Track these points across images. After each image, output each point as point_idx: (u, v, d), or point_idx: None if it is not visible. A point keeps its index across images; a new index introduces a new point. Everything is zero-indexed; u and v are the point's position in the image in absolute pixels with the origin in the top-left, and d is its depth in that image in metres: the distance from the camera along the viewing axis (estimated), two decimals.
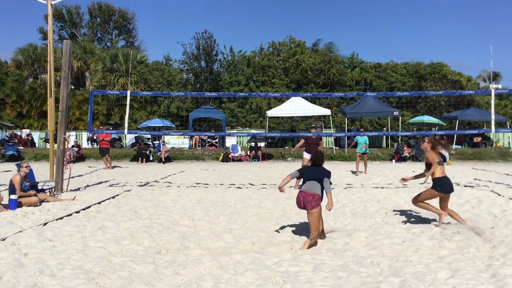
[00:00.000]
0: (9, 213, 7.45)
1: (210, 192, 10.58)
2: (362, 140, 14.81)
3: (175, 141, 25.61)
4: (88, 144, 26.20)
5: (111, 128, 25.68)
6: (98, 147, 18.99)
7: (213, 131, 25.13)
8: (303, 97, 24.03)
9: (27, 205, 8.10)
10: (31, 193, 8.37)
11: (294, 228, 6.74)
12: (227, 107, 31.21)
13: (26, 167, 8.62)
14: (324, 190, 5.86)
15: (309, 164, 6.33)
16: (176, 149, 23.69)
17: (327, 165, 18.52)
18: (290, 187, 11.52)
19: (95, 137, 25.21)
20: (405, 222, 7.06)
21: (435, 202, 6.72)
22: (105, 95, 30.78)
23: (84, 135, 26.82)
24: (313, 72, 31.11)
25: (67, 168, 10.79)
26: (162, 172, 15.80)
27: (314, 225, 5.76)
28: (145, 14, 75.46)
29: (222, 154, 22.02)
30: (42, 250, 5.28)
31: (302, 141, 12.25)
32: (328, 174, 5.99)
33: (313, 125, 16.27)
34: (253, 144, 22.69)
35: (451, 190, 6.57)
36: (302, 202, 5.84)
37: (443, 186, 6.50)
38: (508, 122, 24.51)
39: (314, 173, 5.99)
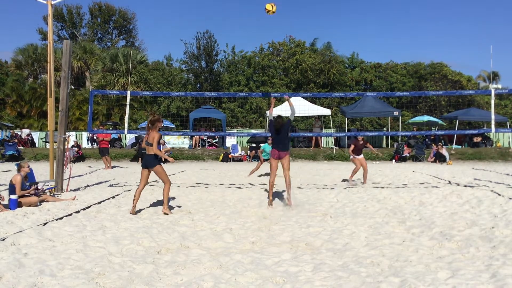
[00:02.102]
0: (9, 213, 7.45)
1: (210, 192, 10.57)
2: (269, 148, 14.00)
3: (175, 141, 25.61)
4: (88, 144, 26.21)
5: (110, 128, 25.68)
6: (98, 147, 19.00)
7: (213, 131, 25.14)
8: (303, 97, 24.02)
9: (27, 205, 8.10)
10: (31, 199, 8.33)
11: (294, 228, 6.73)
12: (227, 107, 31.21)
13: (28, 167, 8.61)
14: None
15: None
16: (176, 149, 23.69)
17: (327, 165, 18.31)
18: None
19: (95, 137, 25.23)
20: (405, 222, 7.06)
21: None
22: (105, 95, 30.79)
23: (84, 135, 26.83)
24: (313, 72, 31.12)
25: (67, 168, 10.79)
26: None
27: (288, 167, 8.65)
28: (145, 14, 75.54)
29: (222, 154, 22.02)
30: (42, 250, 5.28)
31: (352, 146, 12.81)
32: (288, 128, 8.72)
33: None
34: (253, 144, 22.68)
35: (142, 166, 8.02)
36: (278, 155, 8.58)
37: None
38: (508, 122, 24.53)
39: (280, 142, 8.65)
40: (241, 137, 26.04)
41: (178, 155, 22.38)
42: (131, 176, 14.61)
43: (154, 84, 32.63)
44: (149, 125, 7.76)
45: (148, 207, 8.50)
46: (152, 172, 7.88)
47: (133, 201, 7.81)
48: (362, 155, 12.65)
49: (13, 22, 75.42)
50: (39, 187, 9.12)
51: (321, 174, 15.18)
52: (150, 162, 7.77)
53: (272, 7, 9.93)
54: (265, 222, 7.21)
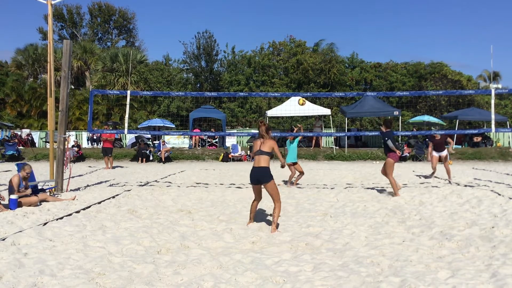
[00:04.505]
0: (9, 213, 7.45)
1: (210, 192, 10.58)
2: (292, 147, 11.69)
3: (175, 141, 25.61)
4: (88, 144, 26.20)
5: (110, 128, 25.70)
6: (101, 146, 18.95)
7: (213, 131, 25.13)
8: (303, 97, 24.02)
9: (27, 205, 8.10)
10: (31, 199, 8.27)
11: (294, 228, 6.74)
12: (227, 107, 31.21)
13: (27, 173, 8.48)
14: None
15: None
16: (176, 149, 23.69)
17: (327, 164, 18.27)
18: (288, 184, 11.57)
19: (95, 137, 25.23)
20: (405, 221, 7.06)
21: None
22: (105, 95, 30.78)
23: (84, 135, 26.82)
24: (314, 72, 31.10)
25: (67, 168, 10.79)
26: (162, 172, 15.81)
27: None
28: (145, 14, 75.54)
29: (222, 154, 22.02)
30: (42, 250, 5.28)
31: (431, 144, 13.31)
32: (389, 135, 9.82)
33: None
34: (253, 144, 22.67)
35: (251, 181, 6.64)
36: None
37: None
38: (508, 122, 24.51)
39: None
40: (241, 137, 26.03)
41: (178, 155, 22.39)
42: (131, 176, 14.62)
43: (154, 84, 32.63)
44: (264, 133, 6.59)
45: (148, 207, 8.49)
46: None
47: (250, 213, 6.94)
48: (444, 152, 12.79)
49: (13, 22, 75.45)
50: (39, 188, 9.11)
51: (321, 174, 15.18)
52: (265, 176, 6.40)
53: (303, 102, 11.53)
54: (265, 222, 7.21)
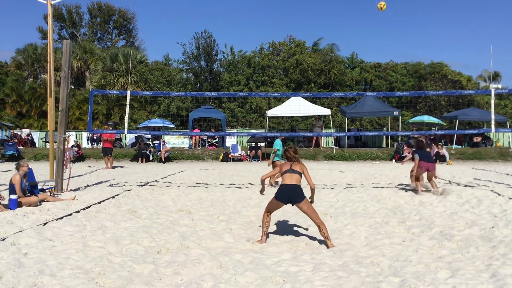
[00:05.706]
0: (9, 213, 7.45)
1: (210, 192, 10.58)
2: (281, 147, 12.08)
3: (175, 141, 25.61)
4: (88, 144, 26.20)
5: (110, 128, 25.71)
6: (101, 146, 18.95)
7: (213, 131, 25.12)
8: (303, 97, 24.01)
9: (27, 205, 8.10)
10: (31, 199, 8.30)
11: (294, 228, 6.74)
12: (227, 107, 31.21)
13: (26, 166, 8.57)
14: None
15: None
16: (176, 149, 23.68)
17: (327, 165, 18.13)
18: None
19: (95, 137, 25.22)
20: (405, 222, 7.06)
21: None
22: (105, 95, 30.78)
23: (84, 135, 26.82)
24: (314, 72, 31.10)
25: (67, 168, 10.79)
26: (162, 172, 15.80)
27: (434, 175, 10.20)
28: (145, 14, 75.55)
29: (222, 154, 22.02)
30: (42, 250, 5.28)
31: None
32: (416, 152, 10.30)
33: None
34: (253, 144, 22.68)
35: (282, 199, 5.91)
36: (427, 167, 9.97)
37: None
38: (508, 122, 24.50)
39: (429, 156, 10.31)
40: (241, 137, 26.03)
41: (178, 155, 22.39)
42: (131, 176, 14.62)
43: (154, 84, 32.63)
44: (292, 156, 6.09)
45: (148, 207, 8.49)
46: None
47: (263, 228, 6.06)
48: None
49: (13, 22, 75.47)
50: (39, 188, 9.11)
51: (321, 174, 15.17)
52: (297, 195, 5.82)
53: (384, 5, 11.15)
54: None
